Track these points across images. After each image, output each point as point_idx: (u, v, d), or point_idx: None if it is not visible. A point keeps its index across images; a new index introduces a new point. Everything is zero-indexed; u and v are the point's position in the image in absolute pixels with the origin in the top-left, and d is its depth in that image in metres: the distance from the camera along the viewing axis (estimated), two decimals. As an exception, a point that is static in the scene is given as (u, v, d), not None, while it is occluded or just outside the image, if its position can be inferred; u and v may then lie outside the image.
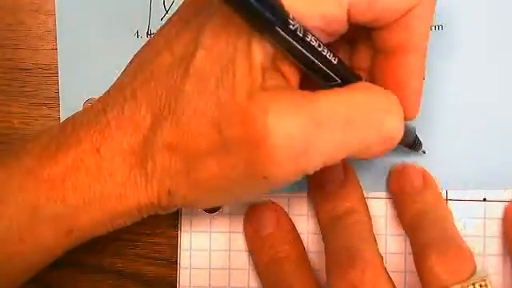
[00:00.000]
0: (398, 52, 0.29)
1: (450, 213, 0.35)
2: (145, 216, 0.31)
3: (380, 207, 0.37)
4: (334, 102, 0.27)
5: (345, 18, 0.28)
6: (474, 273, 0.30)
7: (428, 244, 0.31)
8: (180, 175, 0.29)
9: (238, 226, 0.37)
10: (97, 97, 0.36)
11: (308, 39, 0.26)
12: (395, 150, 0.31)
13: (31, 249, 0.30)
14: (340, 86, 0.28)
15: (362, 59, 0.31)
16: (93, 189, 0.29)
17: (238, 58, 0.27)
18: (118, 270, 0.38)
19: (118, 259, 0.38)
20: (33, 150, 0.30)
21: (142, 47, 0.32)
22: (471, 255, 0.31)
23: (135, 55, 0.32)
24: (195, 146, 0.28)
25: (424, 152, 0.36)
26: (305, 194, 0.37)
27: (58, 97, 0.37)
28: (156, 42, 0.30)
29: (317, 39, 0.27)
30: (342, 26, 0.28)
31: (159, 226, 0.38)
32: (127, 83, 0.30)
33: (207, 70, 0.27)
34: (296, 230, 0.36)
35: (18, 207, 0.29)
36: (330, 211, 0.34)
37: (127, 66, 0.32)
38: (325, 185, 0.35)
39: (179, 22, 0.30)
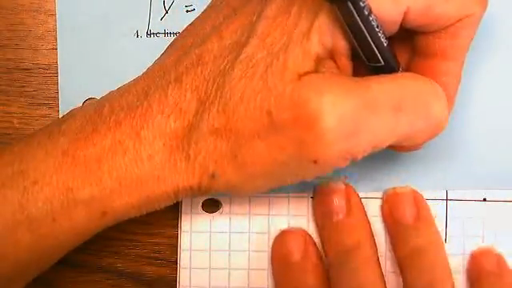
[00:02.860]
0: (438, 57, 0.30)
1: (443, 247, 0.35)
2: (179, 200, 0.31)
3: (380, 207, 0.37)
4: (386, 87, 0.28)
5: (399, 19, 0.28)
6: None
7: None
8: (225, 159, 0.29)
9: (238, 226, 0.37)
10: (97, 97, 0.36)
11: (371, 18, 0.27)
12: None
13: (64, 230, 0.30)
14: (382, 68, 0.29)
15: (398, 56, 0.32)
16: (130, 172, 0.29)
17: (290, 45, 0.27)
18: (118, 270, 0.38)
19: (117, 259, 0.38)
20: (68, 130, 0.30)
21: (185, 30, 0.32)
22: None
23: (176, 38, 0.32)
24: (243, 130, 0.28)
25: None
26: (305, 194, 0.37)
27: (58, 97, 0.37)
28: (201, 27, 0.31)
29: (376, 19, 0.28)
30: (393, 27, 0.29)
31: (159, 226, 0.38)
32: (170, 67, 0.30)
33: (258, 56, 0.28)
34: (321, 259, 0.36)
35: (52, 188, 0.29)
36: (337, 244, 0.34)
37: (168, 49, 0.32)
38: (331, 215, 0.35)
39: (226, 8, 0.31)
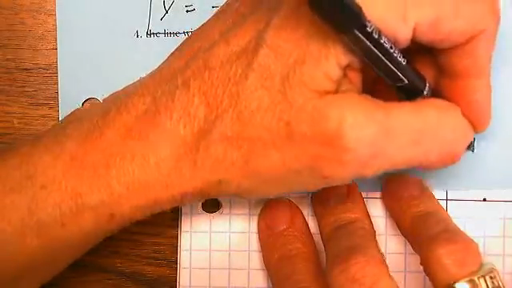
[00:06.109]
0: (463, 76, 0.30)
1: (450, 217, 0.35)
2: (187, 203, 0.31)
3: (380, 207, 0.37)
4: (406, 116, 0.28)
5: (409, 36, 0.28)
6: (481, 265, 0.30)
7: (435, 237, 0.31)
8: (236, 166, 0.29)
9: (238, 226, 0.37)
10: (97, 97, 0.36)
11: (382, 41, 0.27)
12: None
13: (72, 234, 0.30)
14: (408, 87, 0.29)
15: (425, 74, 0.31)
16: (137, 177, 0.29)
17: (307, 60, 0.27)
18: (117, 270, 0.38)
19: (117, 259, 0.38)
20: (74, 134, 0.30)
21: (193, 35, 0.32)
22: (478, 248, 0.31)
23: (184, 42, 0.32)
24: (258, 139, 0.28)
25: (473, 151, 0.36)
26: (305, 194, 0.37)
27: (58, 97, 0.37)
28: (210, 32, 0.31)
29: (388, 41, 0.27)
30: (404, 43, 0.28)
31: (159, 226, 0.38)
32: (177, 71, 0.30)
33: (271, 67, 0.28)
34: (309, 229, 0.36)
35: (61, 194, 0.29)
36: (333, 223, 0.35)
37: (175, 52, 0.32)
38: (328, 199, 0.35)
39: (234, 13, 0.30)
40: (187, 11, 0.37)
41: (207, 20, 0.32)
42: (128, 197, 0.30)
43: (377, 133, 0.27)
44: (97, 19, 0.37)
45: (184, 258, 0.37)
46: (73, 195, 0.29)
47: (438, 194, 0.36)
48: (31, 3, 0.38)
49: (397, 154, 0.28)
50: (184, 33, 0.37)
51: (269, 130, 0.28)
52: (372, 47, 0.27)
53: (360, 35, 0.26)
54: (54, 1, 0.37)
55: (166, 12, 0.37)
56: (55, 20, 0.37)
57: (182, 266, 0.37)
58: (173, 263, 0.38)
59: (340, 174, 0.28)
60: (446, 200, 0.36)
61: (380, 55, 0.27)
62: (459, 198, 0.36)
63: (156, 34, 0.37)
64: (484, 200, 0.36)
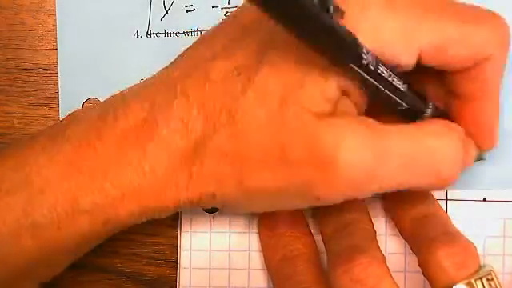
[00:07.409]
0: (470, 98, 0.30)
1: (450, 219, 0.35)
2: (179, 211, 0.31)
3: (380, 208, 0.37)
4: (399, 142, 0.28)
5: (413, 61, 0.28)
6: (479, 268, 0.31)
7: (434, 239, 0.31)
8: (228, 182, 0.29)
9: (238, 226, 0.37)
10: (97, 97, 0.36)
11: (379, 71, 0.27)
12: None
13: (68, 237, 0.30)
14: (407, 111, 0.29)
15: (433, 92, 0.32)
16: (132, 183, 0.29)
17: (307, 82, 0.27)
18: (117, 270, 0.38)
19: (117, 259, 0.38)
20: (71, 136, 0.30)
21: (196, 43, 0.32)
22: (476, 251, 0.31)
23: (186, 51, 0.32)
24: (252, 158, 0.28)
25: (484, 159, 0.35)
26: (305, 194, 0.37)
27: (58, 97, 0.37)
28: (212, 44, 0.30)
29: (387, 69, 0.27)
30: (407, 68, 0.28)
31: (159, 226, 0.38)
32: (177, 78, 0.30)
33: (271, 86, 0.28)
34: (310, 230, 0.36)
35: (57, 196, 0.29)
36: (334, 223, 0.35)
37: (176, 60, 0.31)
38: None
39: (238, 26, 0.30)
40: (187, 11, 0.37)
41: (210, 29, 0.32)
42: (123, 202, 0.30)
43: (371, 159, 0.27)
44: (97, 19, 0.37)
45: (184, 258, 0.37)
46: (69, 198, 0.29)
47: (438, 193, 0.36)
48: (31, 3, 0.38)
49: (387, 178, 0.28)
50: (184, 33, 0.37)
51: (263, 151, 0.28)
52: (369, 78, 0.27)
53: (355, 68, 0.26)
54: (54, 1, 0.37)
55: (166, 12, 0.37)
56: (55, 20, 0.37)
57: (182, 266, 0.37)
58: (173, 263, 0.38)
59: (333, 196, 0.28)
60: (446, 200, 0.36)
61: (377, 84, 0.27)
62: (459, 198, 0.36)
63: (156, 34, 0.37)
64: (484, 200, 0.36)
